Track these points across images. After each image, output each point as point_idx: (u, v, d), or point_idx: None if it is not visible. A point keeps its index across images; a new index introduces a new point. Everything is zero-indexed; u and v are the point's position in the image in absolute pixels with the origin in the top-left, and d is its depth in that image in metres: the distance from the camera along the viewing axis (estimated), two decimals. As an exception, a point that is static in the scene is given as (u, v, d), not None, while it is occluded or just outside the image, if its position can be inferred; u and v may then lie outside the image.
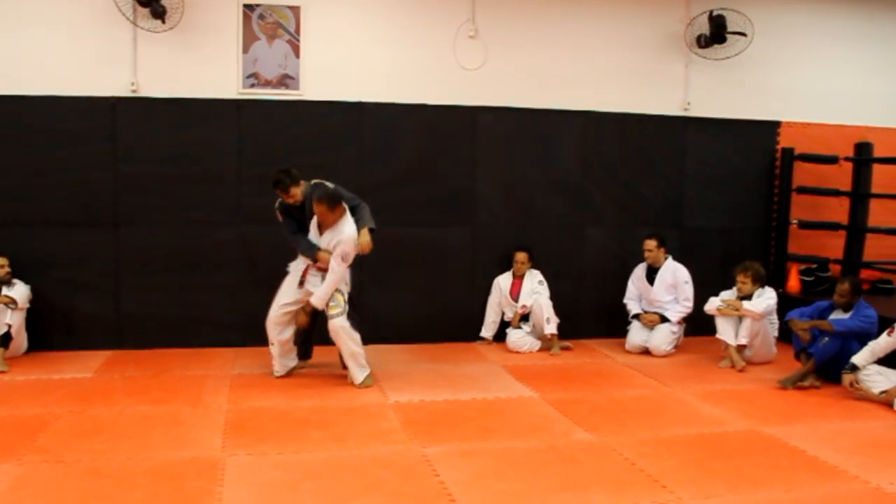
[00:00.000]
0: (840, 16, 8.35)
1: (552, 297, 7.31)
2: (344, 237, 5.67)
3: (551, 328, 7.17)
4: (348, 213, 5.78)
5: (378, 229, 5.98)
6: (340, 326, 5.78)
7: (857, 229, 7.97)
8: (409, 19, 7.44)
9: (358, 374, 5.90)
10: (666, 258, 7.35)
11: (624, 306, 7.55)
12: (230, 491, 3.89)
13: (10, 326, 6.25)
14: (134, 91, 6.92)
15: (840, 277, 6.74)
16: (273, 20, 7.12)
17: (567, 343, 7.39)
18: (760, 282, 6.79)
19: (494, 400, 5.66)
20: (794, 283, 8.10)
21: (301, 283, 5.95)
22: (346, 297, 5.86)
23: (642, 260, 7.42)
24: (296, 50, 7.18)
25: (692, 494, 3.96)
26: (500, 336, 7.52)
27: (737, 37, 7.76)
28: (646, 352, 7.22)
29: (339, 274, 5.72)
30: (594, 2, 7.78)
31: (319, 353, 6.37)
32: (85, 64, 6.82)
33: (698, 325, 7.33)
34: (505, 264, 7.54)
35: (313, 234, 5.88)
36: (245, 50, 7.09)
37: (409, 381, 6.08)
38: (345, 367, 6.01)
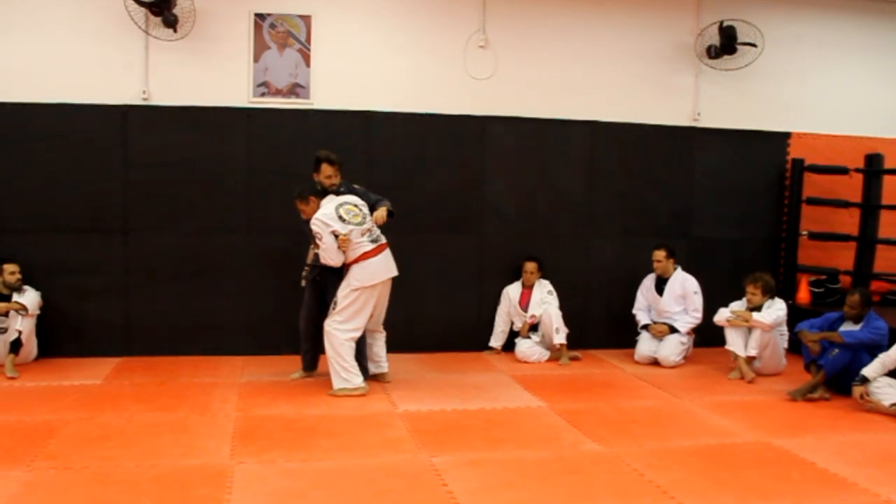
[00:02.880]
0: (850, 27, 8.34)
1: (561, 307, 7.30)
2: (312, 219, 5.81)
3: (560, 338, 7.16)
4: (324, 201, 5.91)
5: (396, 214, 6.14)
6: (325, 330, 5.92)
7: (867, 240, 7.94)
8: (420, 29, 7.46)
9: (334, 380, 5.94)
10: (675, 269, 7.33)
11: (633, 317, 7.53)
12: (238, 499, 3.89)
13: (20, 333, 6.27)
14: (145, 99, 6.96)
15: (850, 289, 6.71)
16: (284, 29, 7.15)
17: (576, 353, 7.38)
18: (770, 293, 6.77)
19: (503, 410, 5.65)
20: (803, 294, 8.07)
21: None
22: (337, 304, 5.89)
23: (651, 270, 7.41)
24: (306, 59, 7.21)
25: (701, 506, 3.95)
26: (508, 346, 7.51)
27: (747, 47, 7.76)
28: (655, 362, 7.19)
29: (323, 247, 5.76)
30: (605, 12, 7.79)
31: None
32: (96, 72, 6.87)
33: (707, 335, 7.30)
34: (514, 274, 7.53)
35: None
36: (256, 59, 7.12)
37: (417, 391, 6.08)
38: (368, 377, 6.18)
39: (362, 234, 5.87)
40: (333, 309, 5.88)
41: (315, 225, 5.77)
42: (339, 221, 5.77)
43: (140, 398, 5.70)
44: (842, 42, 8.35)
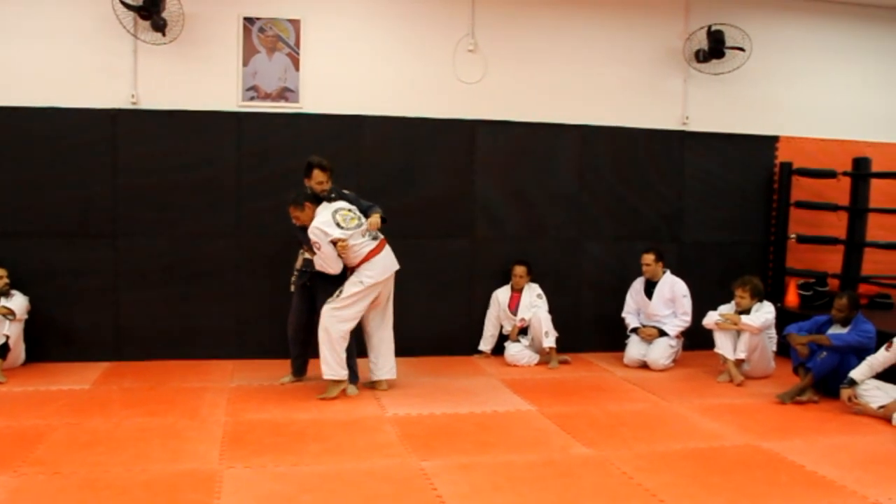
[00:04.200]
0: (838, 31, 8.39)
1: (551, 311, 7.30)
2: (310, 228, 5.80)
3: (550, 342, 7.16)
4: (320, 209, 5.90)
5: (387, 220, 6.11)
6: (322, 312, 5.89)
7: (855, 244, 7.98)
8: (409, 33, 7.47)
9: (323, 367, 5.92)
10: (664, 272, 7.35)
11: (622, 320, 7.54)
12: (227, 504, 3.88)
13: (7, 337, 6.24)
14: (134, 103, 6.94)
15: (838, 292, 6.74)
16: (273, 33, 7.14)
17: (565, 357, 7.38)
18: (759, 296, 6.80)
19: (492, 413, 5.65)
20: (792, 297, 8.10)
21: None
22: (343, 293, 5.85)
23: (640, 274, 7.43)
24: (295, 63, 7.20)
25: (690, 509, 3.96)
26: (498, 349, 7.51)
27: (735, 52, 7.79)
28: (644, 366, 7.21)
29: (321, 255, 5.77)
30: (594, 17, 7.82)
31: (316, 367, 6.34)
32: (85, 76, 6.85)
33: (696, 339, 7.32)
34: (503, 277, 7.54)
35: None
36: (245, 63, 7.12)
37: (406, 395, 6.08)
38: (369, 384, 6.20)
39: (362, 235, 5.90)
40: (337, 296, 5.85)
41: (313, 234, 5.76)
42: (337, 228, 5.78)
43: (129, 403, 5.68)
44: (829, 46, 8.39)
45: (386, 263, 6.00)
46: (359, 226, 5.90)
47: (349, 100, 7.30)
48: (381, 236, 6.04)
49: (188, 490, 4.04)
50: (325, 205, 5.94)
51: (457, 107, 7.52)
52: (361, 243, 5.88)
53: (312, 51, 7.24)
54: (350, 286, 5.87)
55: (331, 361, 5.87)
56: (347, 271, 5.95)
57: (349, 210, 5.96)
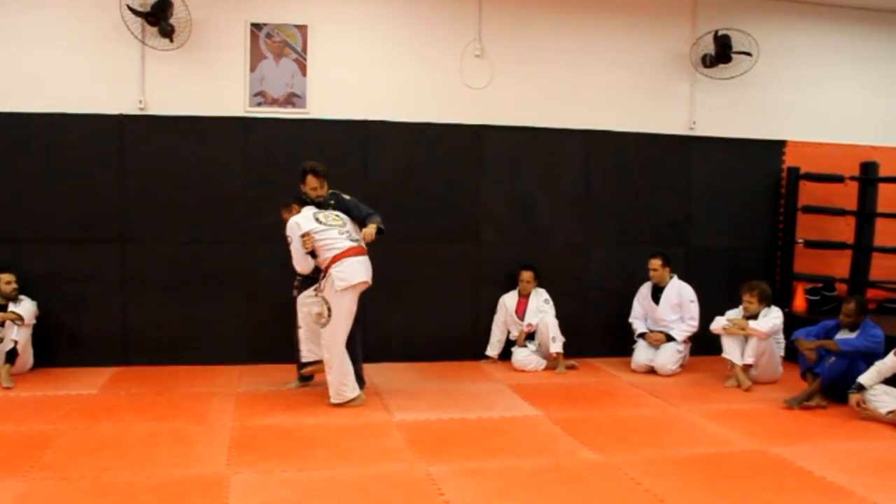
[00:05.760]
0: (845, 35, 8.38)
1: (557, 316, 7.30)
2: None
3: (557, 347, 7.16)
4: (305, 208, 5.92)
5: (387, 230, 5.97)
6: (324, 341, 5.81)
7: (862, 248, 7.96)
8: (416, 38, 7.48)
9: (332, 393, 5.85)
10: (671, 277, 7.34)
11: (629, 325, 7.53)
12: (235, 509, 3.89)
13: (16, 342, 6.26)
14: (142, 109, 6.97)
15: (846, 297, 6.71)
16: (280, 39, 7.16)
17: (572, 362, 7.38)
18: (766, 301, 6.78)
19: (500, 419, 5.64)
20: (800, 302, 8.08)
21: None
22: (329, 310, 5.73)
23: (647, 278, 7.42)
24: (302, 69, 7.22)
25: (698, 515, 3.95)
26: (505, 354, 7.51)
27: (742, 56, 7.79)
28: (651, 371, 7.19)
29: (292, 250, 5.77)
30: (600, 21, 7.82)
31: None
32: (93, 81, 6.88)
33: (704, 344, 7.31)
34: (510, 283, 7.54)
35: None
36: (252, 68, 7.14)
37: (414, 400, 6.07)
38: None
39: (340, 233, 5.79)
40: (329, 316, 5.73)
41: (289, 227, 5.77)
42: (315, 223, 5.76)
43: (137, 408, 5.69)
44: (836, 51, 8.38)
45: (359, 268, 5.73)
46: (342, 226, 5.84)
47: (356, 105, 7.31)
48: (363, 244, 5.88)
49: (196, 495, 4.04)
50: (311, 206, 5.95)
51: (463, 112, 7.53)
52: (335, 238, 5.73)
53: (319, 56, 7.26)
54: (332, 300, 5.68)
55: (339, 386, 5.79)
56: (322, 273, 5.81)
57: (337, 215, 5.93)
